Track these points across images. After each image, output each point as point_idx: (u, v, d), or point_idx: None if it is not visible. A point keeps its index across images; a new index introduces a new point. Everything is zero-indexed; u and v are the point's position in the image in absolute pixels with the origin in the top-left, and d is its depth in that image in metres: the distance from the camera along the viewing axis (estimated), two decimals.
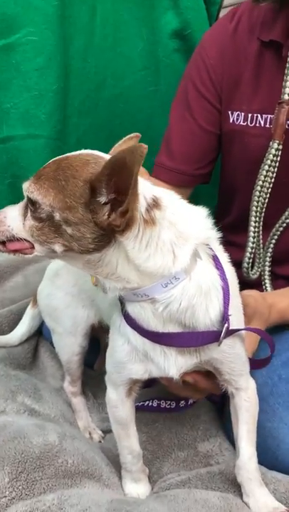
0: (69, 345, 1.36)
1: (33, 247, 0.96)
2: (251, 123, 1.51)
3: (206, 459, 1.21)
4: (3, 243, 0.99)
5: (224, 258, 1.05)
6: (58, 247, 0.92)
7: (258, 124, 1.50)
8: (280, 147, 1.37)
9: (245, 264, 1.48)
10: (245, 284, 1.36)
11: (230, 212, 1.66)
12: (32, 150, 2.10)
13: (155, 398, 1.31)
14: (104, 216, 0.87)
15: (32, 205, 0.92)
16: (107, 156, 0.95)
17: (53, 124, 2.09)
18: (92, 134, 2.18)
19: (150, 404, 1.30)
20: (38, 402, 1.34)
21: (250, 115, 1.50)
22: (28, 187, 0.93)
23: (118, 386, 1.11)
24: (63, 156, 0.95)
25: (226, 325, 0.97)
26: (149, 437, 1.25)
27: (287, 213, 1.44)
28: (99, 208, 0.87)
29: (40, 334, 1.64)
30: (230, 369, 1.05)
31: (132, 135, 1.14)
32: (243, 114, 1.53)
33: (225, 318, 0.97)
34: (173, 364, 1.01)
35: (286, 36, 1.39)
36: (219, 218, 1.05)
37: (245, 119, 1.52)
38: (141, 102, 2.16)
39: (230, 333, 1.00)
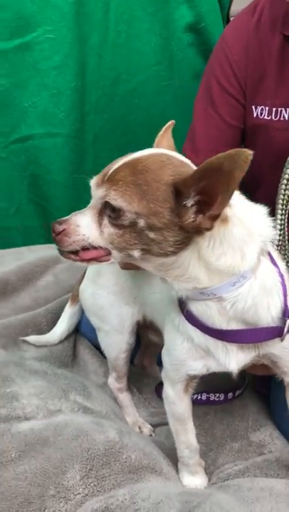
0: (116, 342, 1.38)
1: (109, 254, 0.95)
2: (275, 117, 1.53)
3: (259, 448, 1.25)
4: (76, 252, 0.96)
5: (275, 254, 1.07)
6: (136, 253, 0.92)
7: (282, 118, 1.51)
8: None
9: None
10: None
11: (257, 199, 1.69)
12: (51, 149, 2.12)
13: (204, 392, 1.34)
14: (190, 219, 0.87)
15: (112, 212, 0.90)
16: (176, 155, 0.96)
17: (72, 121, 2.10)
18: (109, 130, 2.19)
19: (200, 398, 1.33)
20: (89, 400, 1.36)
21: (274, 109, 1.52)
22: (107, 193, 0.90)
23: (176, 383, 1.13)
24: (133, 157, 0.93)
25: None
26: (201, 430, 1.28)
27: None
28: (185, 212, 0.87)
29: (77, 332, 1.66)
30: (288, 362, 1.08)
31: (169, 124, 1.13)
32: (267, 108, 1.54)
33: (287, 314, 1.00)
34: (234, 359, 1.04)
35: None
36: None
37: (270, 113, 1.54)
38: (155, 96, 2.17)
39: None
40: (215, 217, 0.87)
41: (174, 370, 1.12)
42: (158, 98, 2.19)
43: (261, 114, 1.56)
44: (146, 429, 1.40)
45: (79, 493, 1.03)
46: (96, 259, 0.96)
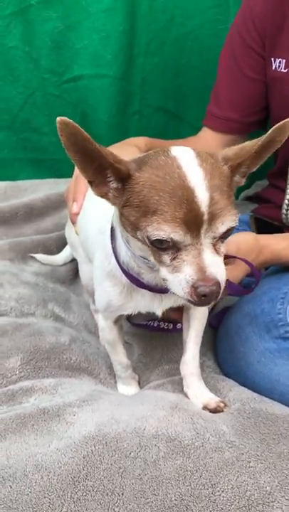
0: (86, 271, 1.57)
1: None
2: None
3: None
4: None
5: None
6: None
7: None
8: None
9: (284, 211, 1.58)
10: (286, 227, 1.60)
11: (276, 161, 1.73)
12: (98, 89, 2.28)
13: (156, 320, 1.51)
14: None
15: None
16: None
17: (119, 64, 2.23)
18: (158, 73, 2.28)
19: (152, 324, 1.50)
20: (66, 312, 1.61)
21: None
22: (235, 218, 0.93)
23: (108, 318, 1.30)
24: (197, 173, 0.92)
25: None
26: (144, 351, 1.46)
27: None
28: None
29: None
30: None
31: None
32: (284, 61, 1.56)
33: None
34: (163, 305, 1.18)
35: None
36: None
37: (287, 66, 1.55)
38: (210, 40, 2.20)
39: None
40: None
41: (106, 312, 1.26)
42: (213, 42, 2.19)
43: (279, 66, 1.59)
44: None
45: (15, 374, 1.30)
46: None
